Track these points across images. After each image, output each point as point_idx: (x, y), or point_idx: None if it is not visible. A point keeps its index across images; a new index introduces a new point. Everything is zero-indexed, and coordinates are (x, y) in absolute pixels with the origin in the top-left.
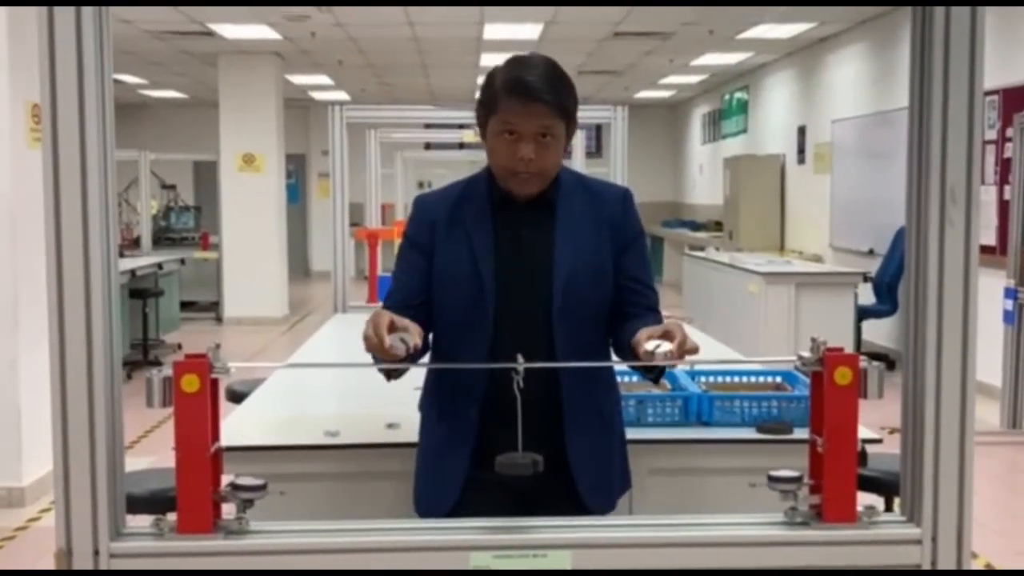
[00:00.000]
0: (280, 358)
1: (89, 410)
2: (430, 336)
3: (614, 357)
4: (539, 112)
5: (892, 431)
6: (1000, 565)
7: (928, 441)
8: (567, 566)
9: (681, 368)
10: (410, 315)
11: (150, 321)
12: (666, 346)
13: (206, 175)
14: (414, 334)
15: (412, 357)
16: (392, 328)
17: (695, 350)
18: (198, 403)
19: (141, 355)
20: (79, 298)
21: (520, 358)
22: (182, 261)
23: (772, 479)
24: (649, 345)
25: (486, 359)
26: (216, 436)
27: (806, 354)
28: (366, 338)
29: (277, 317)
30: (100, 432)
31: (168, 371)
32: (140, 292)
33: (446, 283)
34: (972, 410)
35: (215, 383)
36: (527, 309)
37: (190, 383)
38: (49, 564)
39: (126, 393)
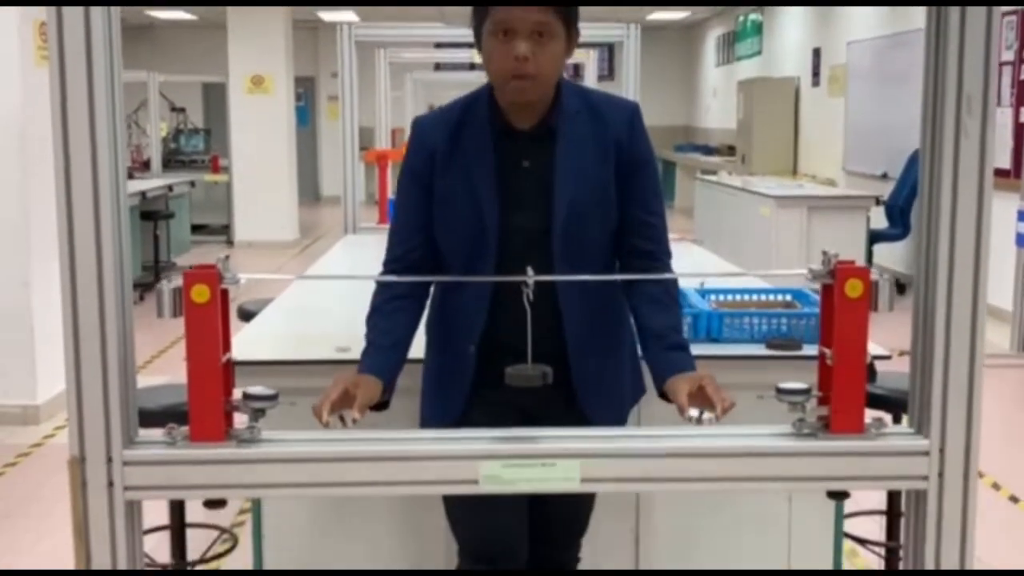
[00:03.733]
0: (293, 289)
1: (100, 317)
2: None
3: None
4: (533, 8)
5: (901, 353)
6: (1006, 485)
7: (938, 353)
8: (576, 475)
9: (691, 286)
10: (415, 256)
11: (161, 243)
12: (708, 414)
13: (215, 98)
14: (363, 409)
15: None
16: (342, 403)
17: (733, 405)
18: (208, 313)
19: (153, 277)
20: (88, 214)
21: (530, 270)
22: (192, 184)
23: (780, 391)
24: (692, 412)
25: (488, 295)
26: (227, 347)
27: (817, 266)
28: (313, 408)
29: (288, 240)
30: (112, 341)
31: (178, 282)
32: (150, 214)
33: (447, 219)
34: (983, 317)
35: (225, 294)
36: (529, 242)
37: (200, 293)
38: (61, 482)
39: (137, 314)
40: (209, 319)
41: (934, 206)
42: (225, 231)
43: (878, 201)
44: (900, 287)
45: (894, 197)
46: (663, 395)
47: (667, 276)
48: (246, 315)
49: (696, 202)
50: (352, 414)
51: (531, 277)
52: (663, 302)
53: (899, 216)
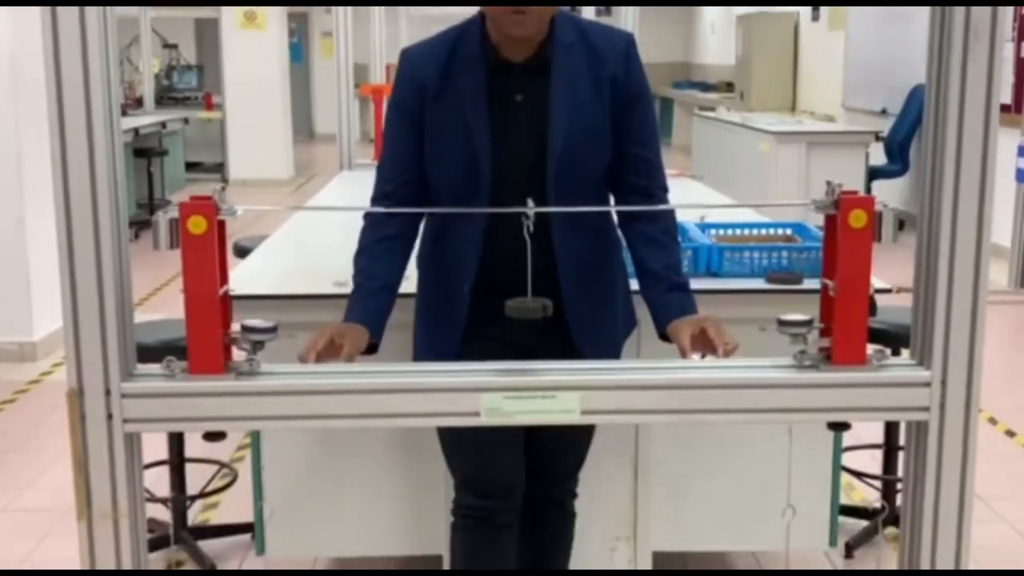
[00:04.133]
0: (286, 218)
1: (96, 247)
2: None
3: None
4: None
5: (899, 290)
6: (1003, 421)
7: (942, 283)
8: (576, 407)
9: (691, 220)
10: (404, 192)
11: (155, 180)
12: (711, 357)
13: (208, 34)
14: (350, 356)
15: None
16: (328, 351)
17: (736, 347)
18: (205, 245)
19: (148, 214)
20: (82, 148)
21: (530, 202)
22: (185, 120)
23: (782, 323)
24: (695, 356)
25: (482, 233)
26: (224, 279)
27: (821, 197)
28: (300, 357)
29: (283, 178)
30: (108, 272)
31: (174, 213)
32: (144, 151)
33: (438, 154)
34: (988, 246)
35: (222, 225)
36: (523, 179)
37: (197, 224)
38: (59, 418)
39: (133, 252)
40: (206, 250)
41: (939, 135)
42: (220, 169)
43: (877, 137)
44: (899, 223)
45: (893, 133)
46: (664, 337)
47: (665, 207)
48: (242, 252)
49: (694, 139)
50: (340, 359)
51: (531, 209)
52: (661, 242)
53: (898, 152)
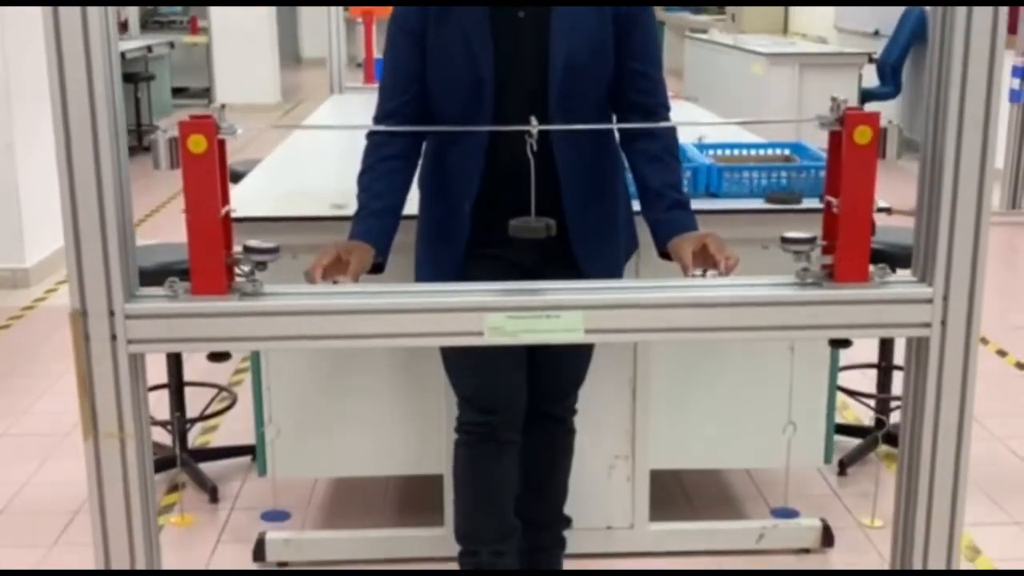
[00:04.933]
0: (277, 142)
1: (96, 167)
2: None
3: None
4: None
5: (894, 212)
6: (995, 340)
7: (945, 201)
8: (579, 326)
9: (689, 140)
10: (407, 110)
11: (142, 106)
12: (712, 272)
13: None
14: (356, 274)
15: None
16: (334, 268)
17: (737, 262)
18: (206, 164)
19: (136, 140)
20: (80, 65)
21: (533, 120)
22: (171, 45)
23: (785, 240)
24: (696, 272)
25: (483, 152)
26: (226, 199)
27: (826, 113)
28: (305, 273)
29: (270, 104)
30: (108, 192)
31: (174, 132)
32: (131, 76)
33: (441, 73)
34: (993, 159)
35: (222, 144)
36: (525, 96)
37: (197, 143)
38: (57, 343)
39: None
40: (207, 170)
41: (945, 48)
42: (206, 94)
43: (870, 59)
44: None
45: (886, 55)
46: (665, 255)
47: (666, 124)
48: (235, 176)
49: (686, 62)
50: (345, 280)
51: (534, 127)
52: (663, 160)
53: (891, 74)
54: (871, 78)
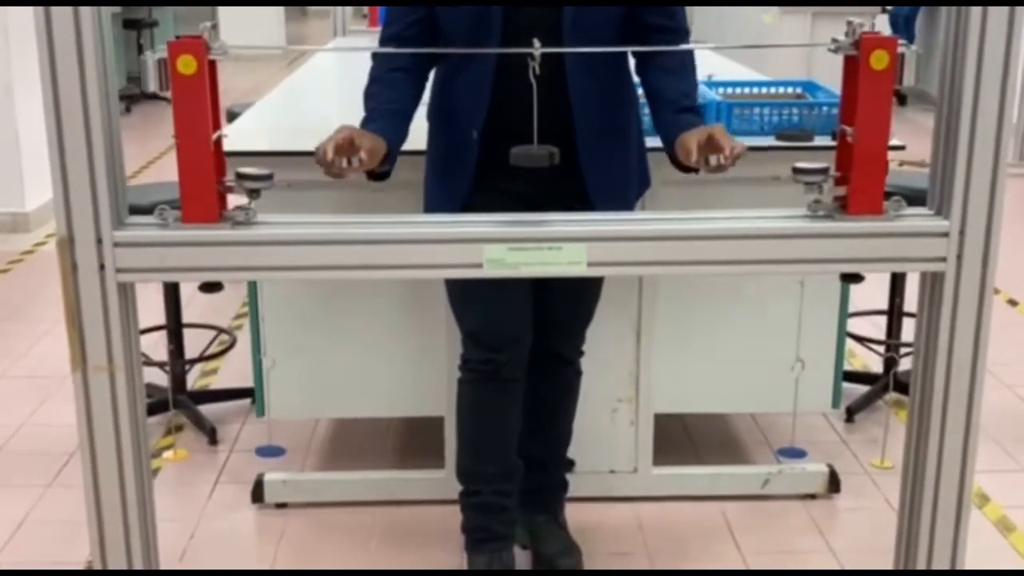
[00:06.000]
0: (280, 80)
1: (82, 89)
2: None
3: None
4: None
5: (902, 163)
6: (1006, 290)
7: (964, 130)
8: (582, 259)
9: (699, 78)
10: (413, 33)
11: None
12: (715, 156)
13: None
14: (370, 156)
15: (379, 175)
16: (347, 147)
17: (743, 152)
18: (196, 85)
19: (138, 88)
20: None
21: (536, 43)
22: None
23: (797, 171)
24: (700, 163)
25: (491, 77)
26: (217, 124)
27: (841, 38)
28: (317, 149)
29: (275, 52)
30: (95, 114)
31: (163, 53)
32: (134, 23)
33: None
34: (1015, 90)
35: (213, 66)
36: (536, 19)
37: (186, 64)
38: (56, 287)
39: (124, 127)
40: (197, 92)
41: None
42: None
43: (884, 9)
44: (902, 98)
45: (899, 6)
46: (673, 159)
47: (682, 48)
48: (234, 118)
49: (696, 11)
50: (360, 155)
51: (537, 49)
52: (677, 71)
53: (904, 25)
54: (884, 29)
